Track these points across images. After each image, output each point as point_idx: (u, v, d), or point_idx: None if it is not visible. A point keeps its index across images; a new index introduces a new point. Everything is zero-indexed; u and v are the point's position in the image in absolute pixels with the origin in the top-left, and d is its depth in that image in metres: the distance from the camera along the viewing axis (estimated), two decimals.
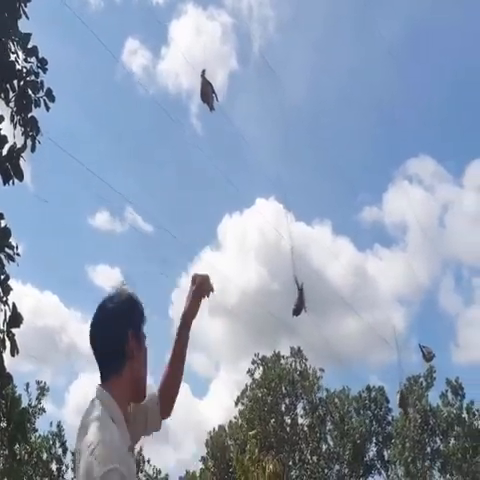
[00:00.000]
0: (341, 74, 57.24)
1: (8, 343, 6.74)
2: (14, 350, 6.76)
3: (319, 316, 59.65)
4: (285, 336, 63.51)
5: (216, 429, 36.97)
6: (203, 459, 37.22)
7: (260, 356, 37.11)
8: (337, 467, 37.18)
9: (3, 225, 6.68)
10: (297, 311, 9.32)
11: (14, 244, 6.76)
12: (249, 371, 36.87)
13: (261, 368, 36.64)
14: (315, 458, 36.01)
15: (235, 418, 36.54)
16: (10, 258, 6.77)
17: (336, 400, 36.92)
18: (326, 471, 36.71)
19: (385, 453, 37.69)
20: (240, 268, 64.94)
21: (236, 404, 36.28)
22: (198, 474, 37.85)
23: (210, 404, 61.98)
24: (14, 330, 6.76)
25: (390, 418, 37.80)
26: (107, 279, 70.17)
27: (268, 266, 64.72)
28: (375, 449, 37.78)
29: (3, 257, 6.69)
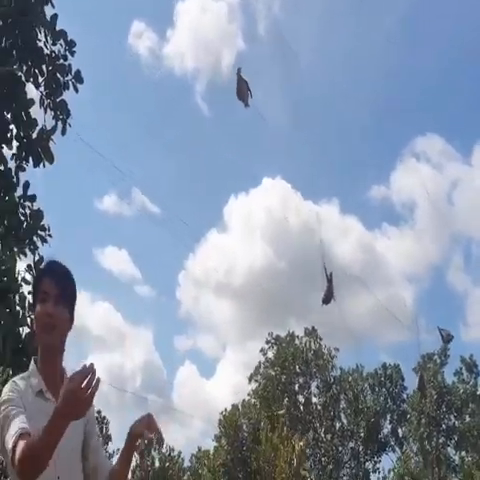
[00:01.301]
0: (347, 51, 57.08)
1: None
2: None
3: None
4: (293, 316, 64.16)
5: (229, 408, 37.66)
6: (216, 437, 38.00)
7: (274, 336, 37.73)
8: (351, 445, 37.83)
9: (36, 207, 6.98)
10: (327, 300, 9.60)
11: (46, 226, 7.07)
12: (262, 350, 37.48)
13: (275, 347, 37.21)
14: (329, 436, 36.66)
15: (249, 395, 37.20)
16: (43, 240, 7.08)
17: (350, 378, 37.47)
18: (340, 449, 37.39)
19: (399, 430, 38.38)
20: (246, 248, 65.26)
21: (249, 381, 36.95)
22: (212, 452, 38.72)
23: (217, 384, 62.89)
24: None
25: (405, 396, 38.51)
26: (115, 261, 70.95)
27: (274, 245, 65.08)
28: (389, 426, 38.41)
29: (36, 239, 6.99)
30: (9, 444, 2.69)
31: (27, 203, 6.96)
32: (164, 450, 38.76)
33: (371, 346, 63.31)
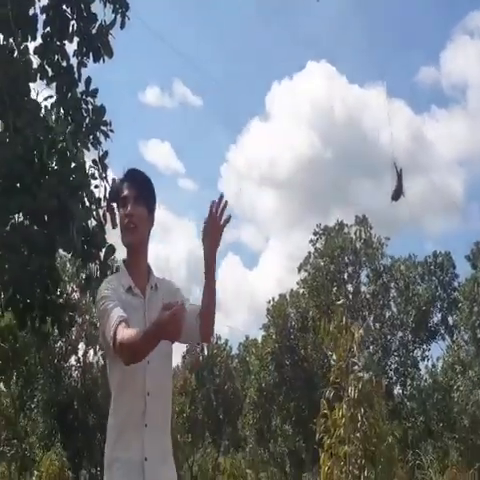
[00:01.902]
0: None
1: (109, 217, 7.36)
2: (114, 223, 7.39)
3: (375, 183, 59.59)
4: (338, 205, 64.03)
5: (276, 298, 38.69)
6: (264, 327, 39.28)
7: (322, 226, 37.97)
8: (400, 334, 38.63)
9: (97, 103, 7.14)
10: (396, 196, 9.57)
11: (108, 121, 7.25)
12: (311, 241, 37.86)
13: (323, 238, 37.53)
14: (378, 325, 37.46)
15: (298, 284, 38.06)
16: (105, 135, 7.29)
17: (401, 267, 37.79)
18: (389, 338, 38.23)
19: (450, 319, 38.88)
20: (290, 138, 64.60)
21: (299, 271, 37.68)
22: (260, 341, 40.21)
23: (260, 275, 64.21)
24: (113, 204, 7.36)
25: (456, 284, 38.80)
26: (158, 154, 71.30)
27: (320, 134, 64.17)
28: (440, 315, 38.98)
29: (99, 134, 7.19)
30: (111, 331, 3.04)
31: (89, 98, 7.15)
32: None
33: (420, 235, 63.39)
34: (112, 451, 3.25)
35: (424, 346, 38.81)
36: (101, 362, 34.18)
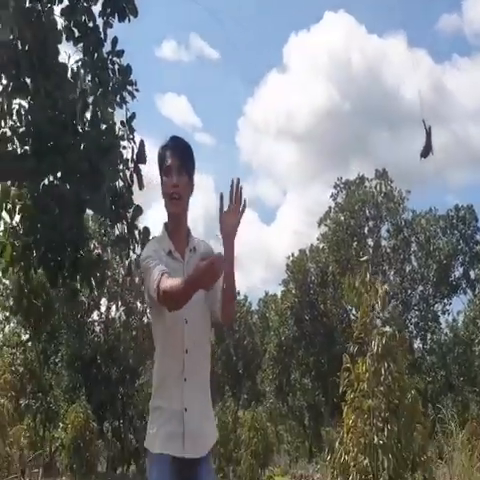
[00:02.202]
0: None
1: (135, 178, 7.55)
2: (141, 184, 7.58)
3: (394, 134, 58.95)
4: (358, 158, 63.58)
5: (296, 253, 38.85)
6: (284, 282, 39.56)
7: (343, 180, 37.82)
8: (421, 288, 38.63)
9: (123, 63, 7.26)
10: (425, 153, 9.59)
11: (134, 80, 7.37)
12: (332, 195, 37.80)
13: (344, 192, 37.41)
14: (398, 279, 37.52)
15: (318, 240, 38.14)
16: (132, 95, 7.42)
17: (422, 221, 37.60)
18: (409, 292, 38.30)
19: (472, 273, 38.74)
20: (308, 90, 63.89)
21: (319, 225, 37.73)
22: (279, 296, 40.57)
23: (278, 230, 64.23)
24: (140, 166, 7.52)
25: (478, 237, 38.46)
26: (174, 108, 70.91)
27: (339, 85, 63.38)
28: (461, 269, 38.75)
29: (125, 94, 7.32)
30: (154, 284, 3.27)
31: (115, 59, 7.26)
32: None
33: (442, 188, 62.91)
34: (154, 400, 3.54)
35: (445, 300, 38.79)
36: (123, 317, 34.88)
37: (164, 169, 3.56)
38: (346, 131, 59.27)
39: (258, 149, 68.64)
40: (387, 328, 8.54)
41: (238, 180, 3.37)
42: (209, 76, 68.80)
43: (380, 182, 36.68)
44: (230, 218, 3.38)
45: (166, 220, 3.66)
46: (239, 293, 43.01)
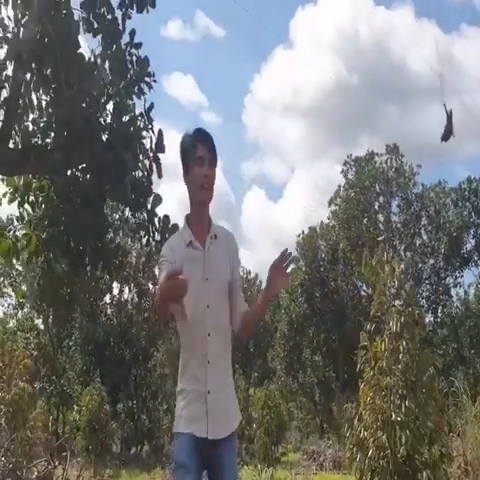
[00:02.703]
0: None
1: (155, 167, 7.78)
2: (160, 173, 7.82)
3: (403, 108, 58.70)
4: (366, 133, 63.38)
5: (306, 231, 39.08)
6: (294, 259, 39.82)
7: (353, 157, 37.87)
8: (432, 261, 38.75)
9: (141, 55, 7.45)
10: (446, 137, 9.72)
11: (152, 72, 7.58)
12: (342, 171, 37.88)
13: (354, 169, 37.46)
14: (409, 254, 37.66)
15: (329, 219, 38.33)
16: (149, 86, 7.64)
17: (432, 194, 37.61)
18: (420, 266, 38.40)
19: None
20: (315, 65, 63.56)
21: (329, 205, 37.90)
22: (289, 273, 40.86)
23: (286, 207, 64.23)
24: (159, 155, 7.74)
25: None
26: (180, 88, 70.71)
27: (345, 60, 63.08)
28: (473, 241, 38.61)
29: (143, 85, 7.54)
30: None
31: (133, 50, 7.47)
32: (242, 273, 41.50)
33: (452, 159, 62.74)
34: (180, 382, 3.81)
35: (456, 273, 38.82)
36: (136, 299, 35.32)
37: (195, 159, 3.84)
38: (354, 105, 59.20)
39: (265, 126, 68.72)
40: (404, 307, 8.80)
41: (290, 253, 3.79)
42: (215, 54, 68.69)
43: (391, 157, 36.73)
44: (281, 282, 3.77)
45: (188, 212, 3.96)
46: (250, 272, 43.51)
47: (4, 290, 36.95)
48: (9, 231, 7.86)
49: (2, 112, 7.00)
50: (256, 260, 72.31)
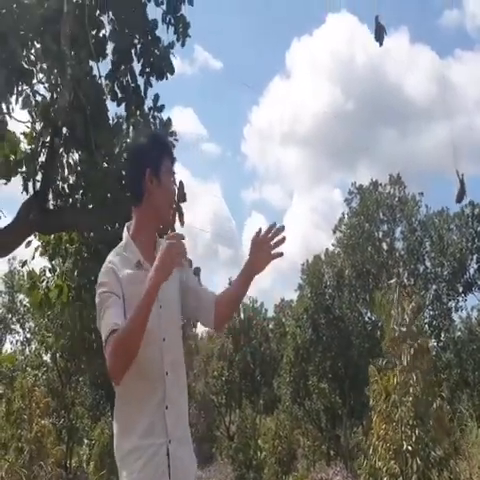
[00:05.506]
0: None
1: (177, 216, 8.42)
2: (182, 221, 8.46)
3: (400, 131, 59.44)
4: (364, 157, 64.00)
5: (311, 259, 39.58)
6: (300, 287, 40.31)
7: (357, 185, 38.60)
8: (434, 287, 39.07)
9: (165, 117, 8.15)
10: (460, 199, 10.32)
11: (175, 132, 8.27)
12: (346, 200, 38.54)
13: (358, 197, 38.08)
14: (412, 280, 38.01)
15: (333, 246, 38.89)
16: (172, 145, 8.34)
17: (435, 220, 37.95)
18: (423, 293, 38.65)
19: None
20: (312, 92, 64.60)
21: (334, 232, 38.49)
22: (295, 300, 41.38)
23: (286, 232, 64.68)
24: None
25: None
26: (180, 121, 71.84)
27: (342, 86, 64.12)
28: (476, 266, 38.70)
29: None
30: (103, 334, 2.94)
31: (156, 113, 8.15)
32: (247, 302, 42.11)
33: (453, 182, 62.99)
34: (128, 441, 3.02)
35: (460, 298, 38.88)
36: None
37: (168, 174, 3.24)
38: (352, 131, 60.05)
39: (264, 155, 69.63)
40: (415, 342, 9.39)
41: (278, 226, 3.43)
42: (214, 86, 70.14)
43: (394, 187, 37.40)
44: (263, 261, 3.42)
45: (128, 223, 3.29)
46: (256, 301, 44.08)
47: (12, 327, 37.42)
48: (42, 282, 8.44)
49: (40, 175, 7.64)
50: (257, 286, 72.75)
